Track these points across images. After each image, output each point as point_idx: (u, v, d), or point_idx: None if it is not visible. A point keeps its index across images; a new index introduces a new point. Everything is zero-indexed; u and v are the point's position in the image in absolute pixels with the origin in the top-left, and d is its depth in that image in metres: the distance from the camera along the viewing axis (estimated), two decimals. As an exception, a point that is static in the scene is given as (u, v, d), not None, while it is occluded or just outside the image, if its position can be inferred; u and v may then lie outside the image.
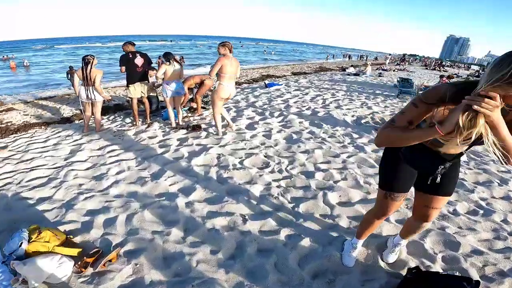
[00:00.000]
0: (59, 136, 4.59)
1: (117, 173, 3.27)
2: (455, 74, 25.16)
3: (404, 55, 41.52)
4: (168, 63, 4.36)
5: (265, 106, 6.13)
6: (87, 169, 3.43)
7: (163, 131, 4.61)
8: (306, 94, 7.77)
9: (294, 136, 4.23)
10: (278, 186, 2.96)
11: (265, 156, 3.58)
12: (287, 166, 3.35)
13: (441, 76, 8.55)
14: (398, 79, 7.82)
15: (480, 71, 30.59)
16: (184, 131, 4.53)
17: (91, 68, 4.13)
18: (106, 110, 6.43)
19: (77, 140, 4.36)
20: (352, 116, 5.47)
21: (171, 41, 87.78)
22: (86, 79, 4.16)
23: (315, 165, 3.42)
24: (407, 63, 36.84)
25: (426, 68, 29.67)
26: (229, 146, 3.85)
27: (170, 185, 3.00)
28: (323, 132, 4.47)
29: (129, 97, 4.84)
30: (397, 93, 7.93)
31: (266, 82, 9.23)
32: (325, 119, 5.15)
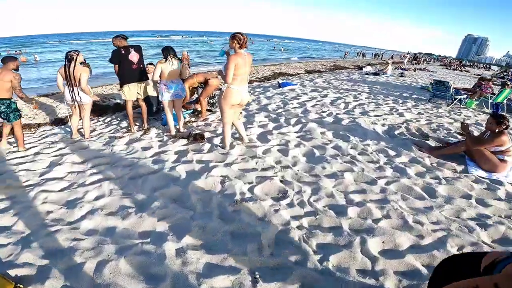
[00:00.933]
0: (44, 142, 3.99)
1: (96, 199, 2.61)
2: (478, 74, 23.62)
3: (415, 54, 39.72)
4: (164, 60, 3.64)
5: (280, 111, 5.35)
6: (61, 190, 2.79)
7: (160, 140, 3.91)
8: (325, 96, 6.93)
9: (316, 152, 3.45)
10: (300, 227, 2.22)
11: (281, 181, 2.82)
12: (310, 197, 2.59)
13: (481, 79, 7.52)
14: (432, 82, 6.87)
15: (503, 72, 28.83)
16: (184, 141, 3.82)
17: (74, 65, 3.46)
18: (105, 110, 5.81)
19: (61, 149, 3.72)
20: (383, 125, 4.63)
21: (182, 36, 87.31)
22: (70, 79, 3.49)
23: (346, 195, 2.65)
24: (425, 62, 35.16)
25: (447, 68, 28.11)
26: (237, 164, 3.10)
27: (158, 220, 2.30)
28: (351, 147, 3.66)
29: (123, 100, 4.16)
30: (429, 97, 6.99)
31: (280, 81, 8.43)
32: (351, 128, 4.33)
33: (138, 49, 3.84)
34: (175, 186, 2.75)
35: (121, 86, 3.94)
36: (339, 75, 12.22)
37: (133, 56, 3.75)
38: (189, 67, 15.17)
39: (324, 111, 5.32)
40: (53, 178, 2.99)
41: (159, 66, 3.61)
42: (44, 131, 4.53)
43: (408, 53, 39.08)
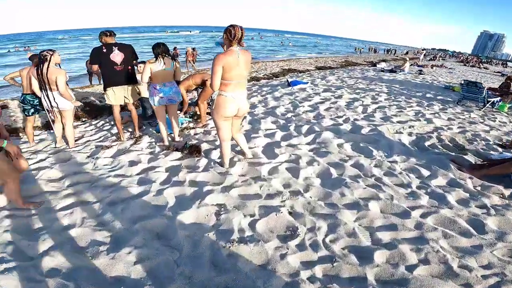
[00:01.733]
0: (26, 152, 3.54)
1: (64, 229, 2.15)
2: (499, 72, 22.23)
3: (424, 49, 38.02)
4: (153, 59, 3.10)
5: (289, 115, 4.76)
6: (29, 216, 2.33)
7: (151, 152, 3.40)
8: (340, 97, 6.28)
9: (333, 173, 2.85)
10: (311, 279, 1.71)
11: (290, 213, 2.26)
12: (325, 236, 2.04)
13: (509, 79, 6.73)
14: (462, 82, 6.11)
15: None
16: (179, 154, 3.29)
17: (48, 67, 2.96)
18: (101, 111, 5.37)
19: (41, 161, 3.27)
20: (410, 134, 3.98)
21: (190, 31, 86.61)
22: (43, 82, 3.00)
23: (372, 233, 2.08)
24: (441, 58, 33.61)
25: (464, 65, 26.73)
26: (237, 189, 2.55)
27: (135, 263, 1.83)
28: (375, 165, 3.05)
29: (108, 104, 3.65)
30: (458, 98, 6.25)
31: (289, 79, 7.79)
32: (373, 139, 3.71)
33: (123, 48, 3.30)
34: (160, 217, 2.24)
35: (104, 89, 3.42)
36: (353, 72, 11.46)
37: (116, 56, 3.22)
38: (194, 63, 14.71)
39: (340, 116, 4.70)
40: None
41: (148, 67, 3.07)
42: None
43: (424, 49, 37.44)
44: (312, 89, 7.25)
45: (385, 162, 3.10)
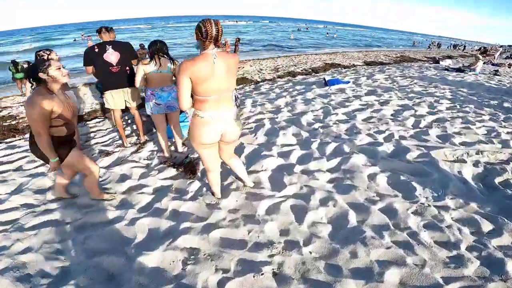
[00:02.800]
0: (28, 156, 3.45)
1: (20, 253, 1.92)
2: None
3: (501, 46, 31.78)
4: (147, 60, 2.67)
5: (316, 126, 4.01)
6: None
7: (147, 165, 3.05)
8: (386, 102, 5.22)
9: (352, 219, 2.10)
10: None
11: (274, 274, 1.67)
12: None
13: None
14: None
15: None
16: (173, 171, 2.87)
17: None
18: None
19: (42, 165, 3.13)
20: (476, 164, 2.94)
21: (236, 21, 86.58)
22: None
23: None
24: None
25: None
26: (220, 230, 2.00)
27: None
28: (415, 211, 2.21)
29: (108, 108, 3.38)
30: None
31: (326, 77, 6.84)
32: (421, 170, 2.79)
33: (119, 46, 2.93)
34: (120, 255, 1.85)
35: (102, 93, 3.13)
36: (408, 70, 9.84)
37: (110, 56, 2.87)
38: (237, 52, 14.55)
39: (381, 131, 3.78)
40: (3, 210, 2.39)
41: (141, 69, 2.66)
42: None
43: (501, 46, 31.54)
44: (353, 90, 6.25)
45: (431, 207, 2.24)
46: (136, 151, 3.39)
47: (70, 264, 1.82)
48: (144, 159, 3.19)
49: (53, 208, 2.39)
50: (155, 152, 3.33)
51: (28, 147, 3.32)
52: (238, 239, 1.94)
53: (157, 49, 2.67)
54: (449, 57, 17.15)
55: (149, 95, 2.83)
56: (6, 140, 3.97)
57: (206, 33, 1.59)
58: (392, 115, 4.54)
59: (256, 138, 3.58)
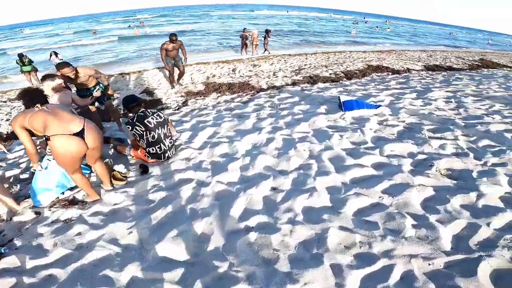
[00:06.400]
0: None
1: None
2: None
3: None
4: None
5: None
6: None
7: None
8: (428, 162, 2.83)
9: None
10: None
11: None
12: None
13: None
14: None
15: None
16: None
17: None
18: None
19: None
20: None
21: (287, 11, 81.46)
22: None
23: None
24: None
25: None
26: None
27: None
28: None
29: None
30: None
31: (342, 97, 4.42)
32: None
33: None
34: None
35: None
36: (488, 84, 6.62)
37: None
38: (266, 46, 13.51)
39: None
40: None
41: None
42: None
43: None
44: (380, 123, 3.86)
45: None
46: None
47: None
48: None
49: None
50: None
51: None
52: None
53: None
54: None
55: None
56: None
57: None
58: (422, 205, 2.20)
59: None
